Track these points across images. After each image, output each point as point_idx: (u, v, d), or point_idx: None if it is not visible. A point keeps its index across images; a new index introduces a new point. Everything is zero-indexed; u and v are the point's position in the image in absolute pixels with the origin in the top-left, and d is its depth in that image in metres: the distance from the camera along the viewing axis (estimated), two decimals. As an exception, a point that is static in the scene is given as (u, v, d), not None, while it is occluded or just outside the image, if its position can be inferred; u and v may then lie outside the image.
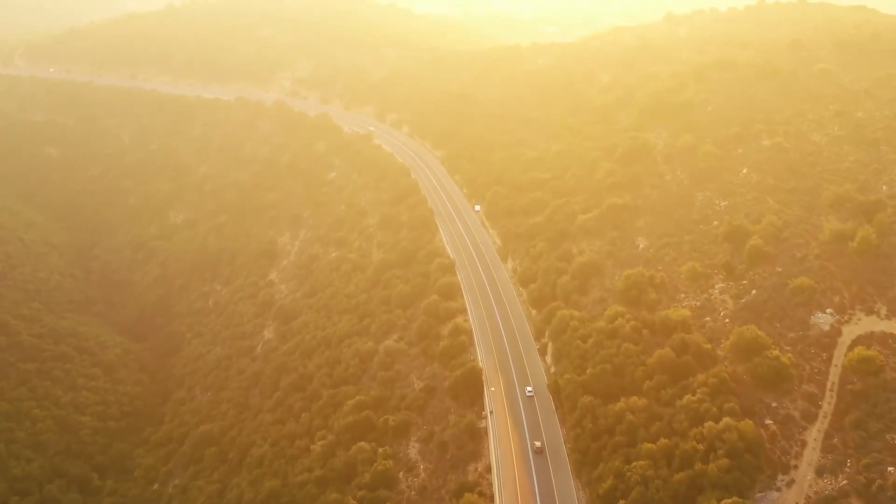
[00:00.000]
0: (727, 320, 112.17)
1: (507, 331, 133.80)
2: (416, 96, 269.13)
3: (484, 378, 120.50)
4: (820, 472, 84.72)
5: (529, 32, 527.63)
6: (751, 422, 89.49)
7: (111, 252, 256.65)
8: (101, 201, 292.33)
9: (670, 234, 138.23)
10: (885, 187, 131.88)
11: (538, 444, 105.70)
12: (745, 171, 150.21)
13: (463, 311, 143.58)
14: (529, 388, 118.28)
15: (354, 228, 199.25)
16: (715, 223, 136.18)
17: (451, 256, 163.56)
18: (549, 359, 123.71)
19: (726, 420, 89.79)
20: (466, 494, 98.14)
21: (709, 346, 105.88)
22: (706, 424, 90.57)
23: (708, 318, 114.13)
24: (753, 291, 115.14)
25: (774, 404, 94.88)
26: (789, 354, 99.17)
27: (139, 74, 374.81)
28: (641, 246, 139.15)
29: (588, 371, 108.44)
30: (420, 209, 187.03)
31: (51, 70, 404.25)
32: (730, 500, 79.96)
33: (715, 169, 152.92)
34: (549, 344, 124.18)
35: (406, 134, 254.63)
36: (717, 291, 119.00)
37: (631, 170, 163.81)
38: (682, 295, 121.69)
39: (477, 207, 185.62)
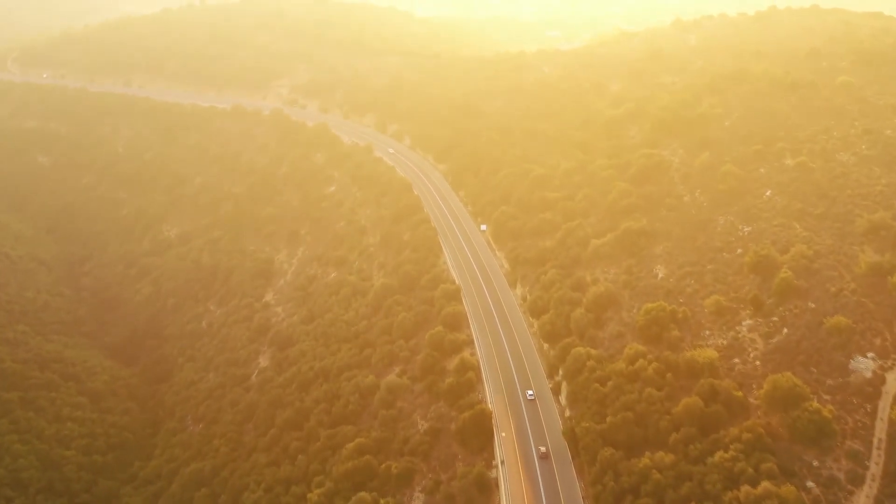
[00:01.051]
0: (758, 363, 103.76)
1: (517, 367, 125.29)
2: (418, 106, 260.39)
3: (494, 422, 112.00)
4: (872, 546, 76.52)
5: (533, 36, 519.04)
6: (793, 487, 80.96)
7: (102, 267, 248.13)
8: (93, 212, 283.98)
9: (691, 262, 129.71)
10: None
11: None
12: (768, 193, 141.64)
13: (470, 342, 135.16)
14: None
15: (354, 247, 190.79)
16: (739, 251, 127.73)
17: (457, 282, 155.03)
18: (563, 399, 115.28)
19: (765, 485, 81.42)
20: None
21: (740, 393, 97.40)
22: (743, 489, 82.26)
23: (737, 360, 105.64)
24: (785, 330, 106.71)
25: (816, 463, 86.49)
26: (830, 406, 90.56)
27: (134, 80, 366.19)
28: (660, 275, 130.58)
29: (608, 419, 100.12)
30: (423, 228, 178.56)
31: (44, 75, 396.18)
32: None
33: (736, 190, 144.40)
34: (564, 384, 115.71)
35: (408, 146, 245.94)
36: (745, 329, 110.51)
37: (646, 190, 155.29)
38: (707, 332, 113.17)
39: (483, 227, 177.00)
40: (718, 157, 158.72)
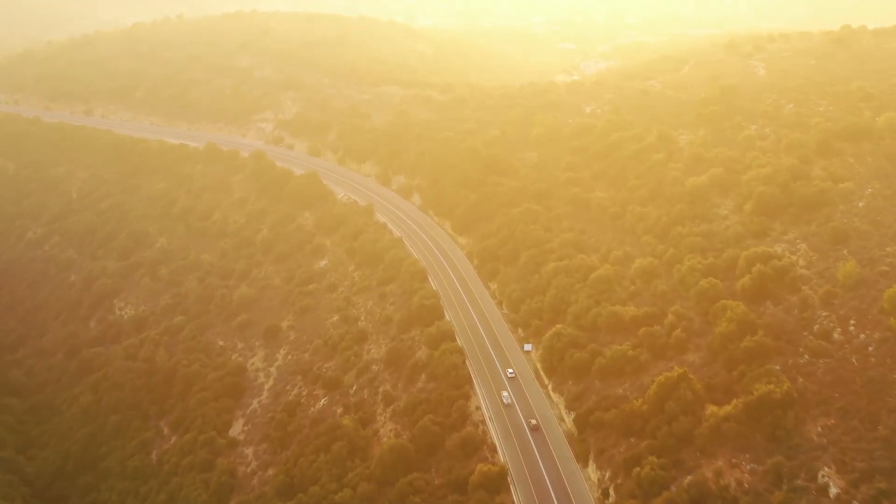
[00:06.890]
0: None
1: None
2: (430, 154, 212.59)
3: None
4: None
5: (546, 50, 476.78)
6: None
7: (38, 355, 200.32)
8: (37, 276, 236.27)
9: (880, 468, 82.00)
10: None
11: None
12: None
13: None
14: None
15: (351, 362, 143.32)
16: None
17: (498, 451, 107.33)
18: None
19: None
20: None
21: None
22: None
23: None
24: None
25: None
26: None
27: (96, 109, 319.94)
28: (833, 490, 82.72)
29: None
30: (446, 348, 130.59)
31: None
32: None
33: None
34: None
35: (418, 206, 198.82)
36: None
37: (771, 316, 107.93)
38: None
39: (527, 347, 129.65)
40: (868, 264, 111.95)
